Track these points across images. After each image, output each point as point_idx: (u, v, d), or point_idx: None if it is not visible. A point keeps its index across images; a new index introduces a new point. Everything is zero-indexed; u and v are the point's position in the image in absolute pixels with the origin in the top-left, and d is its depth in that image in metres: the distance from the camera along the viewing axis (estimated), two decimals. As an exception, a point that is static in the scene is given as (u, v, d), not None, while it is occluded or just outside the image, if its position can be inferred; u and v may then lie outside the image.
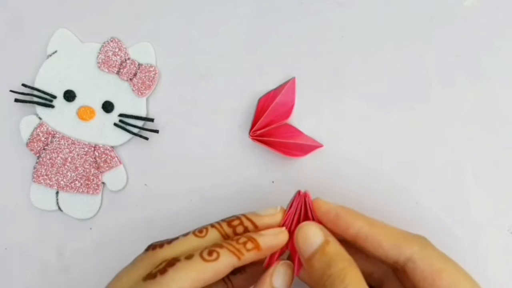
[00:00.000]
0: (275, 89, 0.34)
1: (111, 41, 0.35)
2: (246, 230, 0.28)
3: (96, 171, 0.35)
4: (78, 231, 0.35)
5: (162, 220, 0.35)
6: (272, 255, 0.29)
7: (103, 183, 0.35)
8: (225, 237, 0.28)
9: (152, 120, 0.35)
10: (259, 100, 0.34)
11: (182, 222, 0.35)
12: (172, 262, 0.25)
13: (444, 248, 0.33)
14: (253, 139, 0.34)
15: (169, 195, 0.35)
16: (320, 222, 0.28)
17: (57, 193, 0.35)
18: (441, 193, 0.34)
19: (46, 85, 0.35)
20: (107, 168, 0.35)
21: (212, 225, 0.28)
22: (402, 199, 0.34)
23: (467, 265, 0.33)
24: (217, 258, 0.26)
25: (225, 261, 0.26)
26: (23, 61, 0.36)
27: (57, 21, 0.36)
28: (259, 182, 0.35)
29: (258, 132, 0.34)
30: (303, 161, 0.34)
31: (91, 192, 0.35)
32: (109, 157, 0.35)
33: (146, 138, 0.35)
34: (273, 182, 0.35)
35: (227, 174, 0.35)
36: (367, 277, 0.28)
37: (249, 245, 0.27)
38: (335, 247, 0.27)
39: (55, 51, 0.36)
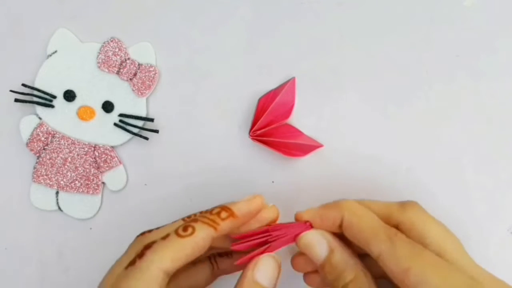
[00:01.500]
0: (275, 89, 0.34)
1: (111, 41, 0.35)
2: (226, 212, 0.27)
3: (96, 171, 0.35)
4: (78, 231, 0.35)
5: (162, 220, 0.35)
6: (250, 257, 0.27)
7: (103, 183, 0.35)
8: (209, 221, 0.27)
9: (152, 120, 0.35)
10: (259, 100, 0.34)
11: (182, 222, 0.35)
12: (149, 245, 0.25)
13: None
14: (253, 139, 0.34)
15: (169, 195, 0.35)
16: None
17: (57, 193, 0.35)
18: (441, 193, 0.34)
19: (46, 85, 0.35)
20: (107, 168, 0.35)
21: (200, 212, 0.28)
22: (402, 199, 0.34)
23: (467, 265, 0.33)
24: (192, 233, 0.25)
25: (202, 234, 0.25)
26: (23, 61, 0.36)
27: (57, 21, 0.36)
28: (259, 182, 0.35)
29: (258, 132, 0.34)
30: (303, 161, 0.34)
31: (91, 192, 0.35)
32: (109, 157, 0.35)
33: (146, 138, 0.35)
34: (273, 182, 0.35)
35: (227, 174, 0.35)
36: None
37: (223, 214, 0.26)
38: (341, 256, 0.27)
39: (55, 51, 0.36)
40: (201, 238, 0.25)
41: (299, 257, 0.30)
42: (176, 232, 0.25)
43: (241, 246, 0.28)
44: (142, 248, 0.25)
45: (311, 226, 0.28)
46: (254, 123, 0.34)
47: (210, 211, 0.27)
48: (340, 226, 0.27)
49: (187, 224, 0.26)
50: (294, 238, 0.28)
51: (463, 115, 0.34)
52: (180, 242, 0.25)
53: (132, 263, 0.24)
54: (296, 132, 0.34)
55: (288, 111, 0.34)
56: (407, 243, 0.25)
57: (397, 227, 0.26)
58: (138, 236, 0.27)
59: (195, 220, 0.26)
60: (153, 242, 0.25)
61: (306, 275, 0.30)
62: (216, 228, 0.26)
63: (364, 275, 0.26)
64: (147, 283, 0.24)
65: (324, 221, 0.27)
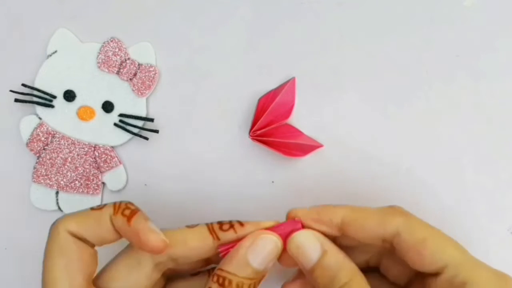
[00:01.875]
0: (275, 89, 0.34)
1: (111, 41, 0.35)
2: (231, 226, 0.27)
3: (96, 171, 0.35)
4: (78, 231, 0.35)
5: (162, 220, 0.35)
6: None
7: (103, 183, 0.35)
8: (211, 230, 0.27)
9: (152, 120, 0.35)
10: (259, 100, 0.34)
11: (182, 222, 0.35)
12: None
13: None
14: (253, 139, 0.34)
15: (169, 195, 0.35)
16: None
17: (57, 193, 0.35)
18: (441, 193, 0.34)
19: (46, 85, 0.35)
20: (107, 168, 0.35)
21: (205, 223, 0.28)
22: (402, 199, 0.34)
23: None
24: (101, 208, 0.26)
25: (108, 210, 0.26)
26: (23, 61, 0.36)
27: (57, 21, 0.36)
28: (259, 182, 0.35)
29: (258, 132, 0.34)
30: (303, 161, 0.34)
31: (91, 192, 0.35)
32: (109, 157, 0.35)
33: (146, 138, 0.35)
34: (273, 182, 0.35)
35: (227, 174, 0.35)
36: (364, 265, 0.28)
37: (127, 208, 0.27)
38: (335, 258, 0.26)
39: (55, 51, 0.36)
40: (107, 213, 0.26)
41: (288, 285, 0.28)
42: (91, 207, 0.27)
43: (229, 249, 0.27)
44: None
45: (302, 226, 0.26)
46: (254, 123, 0.34)
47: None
48: (337, 225, 0.26)
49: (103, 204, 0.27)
50: (285, 238, 0.26)
51: (463, 115, 0.34)
52: (87, 212, 0.26)
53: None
54: (296, 132, 0.34)
55: (288, 111, 0.34)
56: (418, 218, 0.26)
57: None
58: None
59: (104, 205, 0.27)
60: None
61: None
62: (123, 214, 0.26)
63: (361, 276, 0.25)
64: (57, 242, 0.26)
65: (321, 217, 0.26)
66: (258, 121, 0.34)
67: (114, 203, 0.26)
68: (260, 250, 0.26)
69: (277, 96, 0.34)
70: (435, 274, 0.25)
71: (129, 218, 0.26)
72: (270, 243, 0.26)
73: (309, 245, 0.26)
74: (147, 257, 0.27)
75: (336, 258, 0.26)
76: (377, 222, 0.26)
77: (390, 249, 0.26)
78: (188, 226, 0.28)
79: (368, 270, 0.28)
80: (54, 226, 0.26)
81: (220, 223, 0.27)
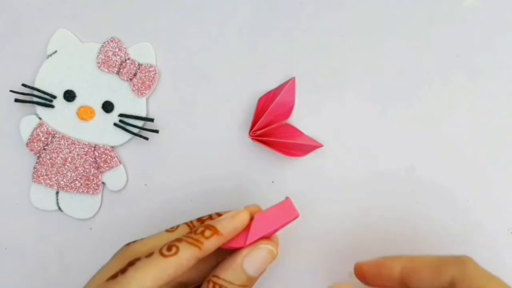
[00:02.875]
0: (275, 89, 0.34)
1: (111, 41, 0.35)
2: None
3: (96, 171, 0.35)
4: (78, 231, 0.35)
5: (162, 220, 0.35)
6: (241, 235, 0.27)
7: (103, 183, 0.35)
8: (191, 228, 0.28)
9: (152, 120, 0.35)
10: (259, 100, 0.34)
11: (182, 221, 0.35)
12: (132, 262, 0.25)
13: (443, 248, 0.33)
14: (253, 139, 0.34)
15: (169, 195, 0.35)
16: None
17: (57, 193, 0.35)
18: (441, 193, 0.34)
19: (46, 85, 0.35)
20: (107, 168, 0.35)
21: (184, 223, 0.28)
22: (402, 198, 0.34)
23: (467, 265, 0.33)
24: (176, 252, 0.25)
25: (186, 254, 0.25)
26: (23, 61, 0.36)
27: (57, 21, 0.36)
28: (259, 182, 0.35)
29: (258, 132, 0.34)
30: (303, 161, 0.34)
31: (91, 192, 0.35)
32: (109, 157, 0.35)
33: (146, 138, 0.35)
34: (273, 182, 0.35)
35: (227, 174, 0.35)
36: None
37: (207, 232, 0.26)
38: None
39: (55, 51, 0.36)
40: (185, 258, 0.25)
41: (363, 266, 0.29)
42: (160, 251, 0.25)
43: (231, 243, 0.27)
44: (126, 264, 0.25)
45: (296, 214, 0.27)
46: (254, 123, 0.34)
47: (194, 231, 0.27)
48: (397, 279, 0.26)
49: (171, 244, 0.26)
50: (284, 224, 0.27)
51: (462, 115, 0.34)
52: (163, 261, 0.25)
53: (114, 276, 0.25)
54: (296, 132, 0.34)
55: (288, 111, 0.34)
56: (479, 267, 0.25)
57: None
58: (123, 247, 0.27)
59: (180, 240, 0.26)
60: (136, 259, 0.25)
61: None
62: (200, 247, 0.26)
63: None
64: None
65: (381, 271, 0.27)
66: (258, 121, 0.34)
67: (190, 243, 0.26)
68: (256, 259, 0.27)
69: (277, 96, 0.34)
70: None
71: (215, 233, 0.26)
72: (266, 252, 0.27)
73: None
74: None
75: None
76: (432, 271, 0.25)
77: None
78: (168, 230, 0.28)
79: None
80: (126, 278, 0.24)
81: (201, 220, 0.28)
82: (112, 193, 0.35)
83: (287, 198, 0.29)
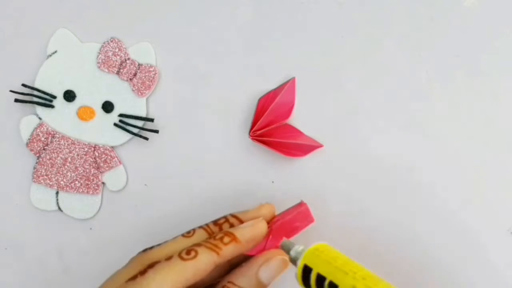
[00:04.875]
0: (275, 89, 0.34)
1: (111, 41, 0.35)
2: (231, 226, 0.28)
3: (96, 171, 0.35)
4: (78, 231, 0.35)
5: (162, 220, 0.35)
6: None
7: (103, 183, 0.35)
8: (210, 233, 0.28)
9: (152, 120, 0.35)
10: (259, 100, 0.34)
11: (182, 222, 0.35)
12: (152, 264, 0.26)
13: (443, 249, 0.33)
14: (253, 139, 0.34)
15: (169, 195, 0.35)
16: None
17: (57, 193, 0.35)
18: (441, 193, 0.34)
19: (46, 85, 0.35)
20: (107, 168, 0.35)
21: (200, 226, 0.28)
22: (402, 198, 0.34)
23: (468, 265, 0.33)
24: (195, 256, 0.26)
25: (204, 259, 0.26)
26: (23, 61, 0.36)
27: (57, 21, 0.36)
28: (259, 182, 0.35)
29: (258, 132, 0.34)
30: (303, 161, 0.34)
31: (91, 192, 0.35)
32: (109, 157, 0.35)
33: (146, 138, 0.35)
34: (273, 182, 0.35)
35: (227, 174, 0.35)
36: None
37: (226, 239, 0.27)
38: None
39: (55, 51, 0.36)
40: (203, 262, 0.26)
41: None
42: (180, 255, 0.26)
43: (255, 249, 0.28)
44: (145, 266, 0.26)
45: (311, 219, 0.28)
46: (254, 123, 0.34)
47: (214, 237, 0.27)
48: None
49: (190, 248, 0.26)
50: (299, 229, 0.28)
51: (463, 115, 0.34)
52: (183, 265, 0.25)
53: (133, 278, 0.25)
54: (296, 132, 0.34)
55: (288, 111, 0.34)
56: None
57: None
58: (140, 252, 0.28)
59: (199, 245, 0.26)
60: (156, 262, 0.26)
61: None
62: (218, 253, 0.26)
63: None
64: None
65: None
66: (258, 121, 0.34)
67: (209, 247, 0.26)
68: (271, 269, 0.28)
69: (277, 96, 0.34)
70: None
71: (233, 239, 0.27)
72: (281, 262, 0.28)
73: None
74: None
75: None
76: None
77: None
78: (184, 235, 0.28)
79: None
80: (146, 279, 0.25)
81: (218, 223, 0.29)
82: (112, 193, 0.35)
83: (302, 202, 0.29)
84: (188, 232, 0.28)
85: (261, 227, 0.28)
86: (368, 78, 0.35)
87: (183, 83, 0.36)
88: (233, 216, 0.29)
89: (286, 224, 0.29)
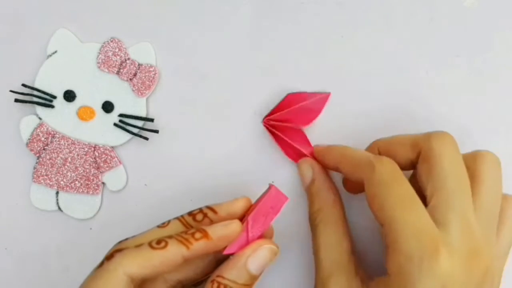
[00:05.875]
0: (309, 92, 0.34)
1: (111, 41, 0.35)
2: (205, 216, 0.29)
3: (96, 171, 0.35)
4: (78, 231, 0.35)
5: (162, 220, 0.35)
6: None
7: (103, 183, 0.35)
8: (187, 226, 0.28)
9: (152, 120, 0.35)
10: (288, 94, 0.34)
11: (182, 222, 0.35)
12: (120, 249, 0.26)
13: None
14: (265, 125, 0.34)
15: (169, 195, 0.35)
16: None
17: (57, 193, 0.35)
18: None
19: (46, 85, 0.35)
20: (107, 168, 0.35)
21: (175, 218, 0.29)
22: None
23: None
24: (165, 247, 0.26)
25: (173, 250, 0.26)
26: (23, 61, 0.36)
27: (57, 21, 0.36)
28: (259, 182, 0.35)
29: (272, 122, 0.34)
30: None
31: (91, 192, 0.35)
32: (109, 157, 0.35)
33: (146, 138, 0.35)
34: (273, 182, 0.35)
35: (227, 174, 0.35)
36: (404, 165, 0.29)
37: (198, 234, 0.27)
38: (317, 187, 0.31)
39: (55, 51, 0.36)
40: (171, 253, 0.26)
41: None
42: (149, 244, 0.26)
43: (232, 247, 0.28)
44: (112, 251, 0.26)
45: (284, 198, 0.29)
46: (272, 112, 0.34)
47: (186, 231, 0.27)
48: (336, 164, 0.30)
49: (161, 239, 0.26)
50: (276, 211, 0.29)
51: (463, 115, 0.34)
52: (150, 252, 0.26)
53: (100, 264, 0.26)
54: (307, 143, 0.34)
55: (310, 119, 0.34)
56: (388, 169, 0.27)
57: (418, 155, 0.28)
58: (115, 244, 0.28)
59: (170, 237, 0.27)
60: (124, 248, 0.26)
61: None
62: (188, 247, 0.26)
63: (332, 207, 0.29)
64: (112, 284, 0.25)
65: (325, 156, 0.31)
66: (277, 113, 0.33)
67: (179, 240, 0.26)
68: (260, 259, 0.28)
69: (307, 100, 0.34)
70: None
71: (205, 236, 0.27)
72: (269, 251, 0.28)
73: (305, 172, 0.32)
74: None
75: (319, 187, 0.31)
76: (406, 146, 0.29)
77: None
78: (159, 226, 0.28)
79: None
80: (112, 263, 0.25)
81: (192, 214, 0.29)
82: (112, 193, 0.36)
83: (270, 185, 0.29)
84: (163, 223, 0.29)
85: (234, 227, 0.28)
86: (368, 78, 0.35)
87: (183, 83, 0.36)
88: (207, 207, 0.29)
89: (261, 211, 0.28)
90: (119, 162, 0.35)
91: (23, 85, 0.35)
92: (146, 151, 0.35)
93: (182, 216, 0.29)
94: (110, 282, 0.25)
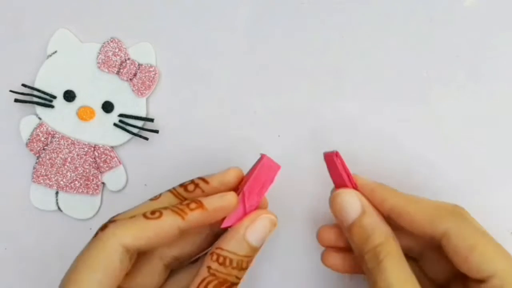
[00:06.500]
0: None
1: (111, 41, 0.35)
2: (197, 186, 0.28)
3: (96, 171, 0.35)
4: (78, 231, 0.35)
5: (162, 220, 0.35)
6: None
7: (103, 183, 0.35)
8: (180, 199, 0.28)
9: (152, 120, 0.35)
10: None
11: (182, 222, 0.35)
12: (113, 220, 0.25)
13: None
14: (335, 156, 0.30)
15: (169, 195, 0.35)
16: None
17: (57, 193, 0.35)
18: (441, 194, 0.34)
19: (46, 85, 0.35)
20: (107, 168, 0.35)
21: (167, 190, 0.28)
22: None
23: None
24: (159, 217, 0.25)
25: (168, 220, 0.25)
26: (23, 61, 0.36)
27: (57, 21, 0.36)
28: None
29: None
30: (304, 165, 0.34)
31: (91, 192, 0.35)
32: (109, 157, 0.35)
33: (146, 138, 0.35)
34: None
35: (227, 174, 0.35)
36: (407, 251, 0.28)
37: (193, 205, 0.26)
38: (372, 220, 0.27)
39: (55, 51, 0.36)
40: (167, 223, 0.25)
41: (326, 228, 0.30)
42: (144, 214, 0.25)
43: (230, 220, 0.27)
44: (106, 223, 0.25)
45: (277, 166, 0.28)
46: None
47: (181, 202, 0.27)
48: (386, 211, 0.27)
49: (155, 209, 0.26)
50: (270, 181, 0.28)
51: (463, 115, 0.34)
52: (145, 222, 0.25)
53: (94, 235, 0.25)
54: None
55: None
56: (473, 221, 0.25)
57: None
58: (108, 220, 0.27)
59: (165, 208, 0.26)
60: (118, 219, 0.25)
61: (326, 253, 0.30)
62: (183, 217, 0.25)
63: (394, 240, 0.26)
64: (106, 254, 0.24)
65: (374, 195, 0.28)
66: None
67: (174, 211, 0.26)
68: (258, 229, 0.27)
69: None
70: (480, 281, 0.24)
71: (200, 206, 0.26)
72: (267, 221, 0.27)
73: (351, 204, 0.27)
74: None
75: (374, 219, 0.27)
76: (427, 220, 0.26)
77: (437, 245, 0.26)
78: (152, 199, 0.28)
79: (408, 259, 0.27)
80: (106, 234, 0.24)
81: (184, 186, 0.28)
82: (112, 193, 0.35)
83: (262, 155, 0.29)
84: (155, 196, 0.28)
85: (230, 198, 0.27)
86: (368, 78, 0.35)
87: (183, 83, 0.36)
88: (199, 178, 0.29)
89: (255, 182, 0.28)
90: (119, 162, 0.35)
91: (23, 85, 0.35)
92: (146, 151, 0.35)
93: (174, 188, 0.28)
94: (104, 251, 0.24)
